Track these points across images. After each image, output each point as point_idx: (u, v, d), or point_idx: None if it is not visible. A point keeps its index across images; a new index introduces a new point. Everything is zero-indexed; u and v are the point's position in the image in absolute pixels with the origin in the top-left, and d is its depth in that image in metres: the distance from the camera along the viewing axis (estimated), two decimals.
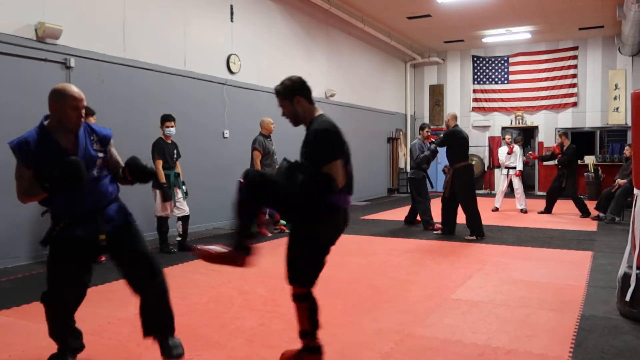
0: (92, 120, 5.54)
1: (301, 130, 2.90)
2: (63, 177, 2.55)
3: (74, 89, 2.70)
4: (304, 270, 2.85)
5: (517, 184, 10.37)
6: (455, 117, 7.50)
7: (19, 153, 2.65)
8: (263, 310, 3.92)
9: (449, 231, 7.37)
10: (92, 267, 2.90)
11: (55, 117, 2.68)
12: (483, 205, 11.61)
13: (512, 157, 10.35)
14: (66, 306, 2.88)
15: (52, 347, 3.23)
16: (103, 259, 5.69)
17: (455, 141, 7.20)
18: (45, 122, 2.74)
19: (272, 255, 6.42)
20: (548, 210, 10.00)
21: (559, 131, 11.08)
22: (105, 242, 2.77)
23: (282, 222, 8.12)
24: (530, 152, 10.56)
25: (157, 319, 2.93)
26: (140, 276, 2.85)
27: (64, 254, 2.77)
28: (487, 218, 9.31)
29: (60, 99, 2.64)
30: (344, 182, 2.74)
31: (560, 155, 9.76)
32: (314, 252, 2.87)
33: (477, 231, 7.12)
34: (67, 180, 2.55)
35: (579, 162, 13.21)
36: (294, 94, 2.85)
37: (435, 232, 7.58)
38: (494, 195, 14.12)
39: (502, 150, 10.51)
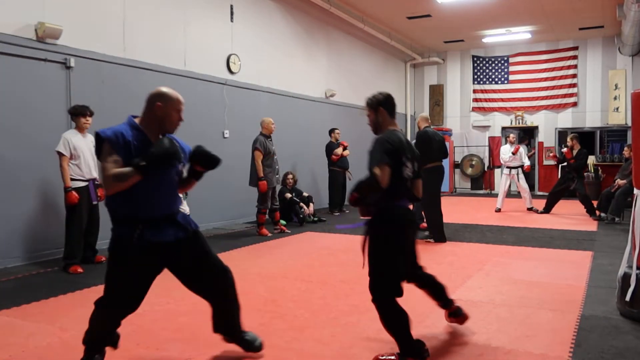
0: (83, 121, 5.51)
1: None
2: (162, 154, 2.60)
3: (177, 93, 2.81)
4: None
5: (524, 183, 10.37)
6: (426, 119, 7.39)
7: (115, 142, 2.62)
8: (263, 310, 3.92)
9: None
10: (156, 275, 2.86)
11: (156, 116, 2.74)
12: (483, 205, 11.66)
13: (517, 157, 10.31)
14: (122, 315, 2.79)
15: (52, 347, 3.24)
16: (103, 259, 5.74)
17: (425, 143, 7.01)
18: (136, 120, 2.78)
19: (272, 255, 6.44)
20: (548, 210, 9.99)
21: (570, 133, 10.65)
22: (175, 249, 2.78)
23: (282, 222, 8.14)
24: (552, 154, 10.28)
25: (233, 320, 3.05)
26: (213, 280, 2.95)
27: (135, 261, 2.69)
28: (488, 218, 9.32)
29: (167, 100, 2.75)
30: (393, 184, 2.96)
31: (572, 160, 9.61)
32: (378, 255, 3.02)
33: (437, 236, 6.96)
34: (166, 157, 2.61)
35: None
36: (378, 105, 3.22)
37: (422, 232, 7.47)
38: (494, 196, 14.15)
39: (506, 149, 10.32)
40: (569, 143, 9.81)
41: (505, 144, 10.60)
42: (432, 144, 7.04)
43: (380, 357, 2.99)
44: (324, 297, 4.32)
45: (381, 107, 3.22)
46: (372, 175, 2.91)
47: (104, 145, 2.62)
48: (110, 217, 2.75)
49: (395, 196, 3.05)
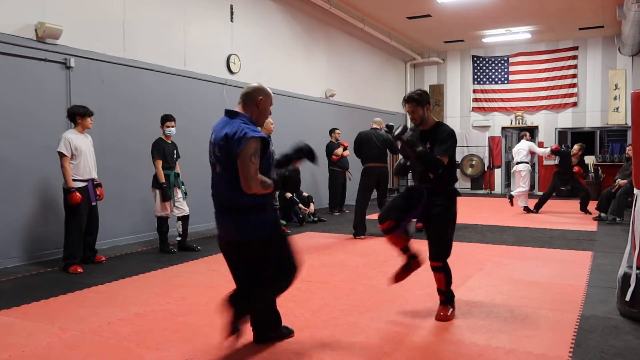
0: (89, 121, 5.52)
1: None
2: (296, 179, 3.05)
3: None
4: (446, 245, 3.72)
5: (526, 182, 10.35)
6: (375, 122, 7.76)
7: (266, 144, 2.86)
8: None
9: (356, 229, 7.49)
10: None
11: (258, 110, 2.99)
12: (483, 205, 11.65)
13: (526, 155, 10.23)
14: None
15: (52, 347, 3.24)
16: (103, 259, 5.74)
17: (360, 143, 7.53)
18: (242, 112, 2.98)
19: None
20: (537, 209, 10.08)
21: (570, 133, 10.81)
22: None
23: (282, 222, 8.14)
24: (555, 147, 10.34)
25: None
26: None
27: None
28: (488, 218, 9.31)
29: (267, 95, 3.02)
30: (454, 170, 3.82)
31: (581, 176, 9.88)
32: (451, 227, 3.70)
33: (357, 230, 7.41)
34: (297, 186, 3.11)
35: None
36: (427, 103, 3.77)
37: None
38: (494, 196, 14.16)
39: (526, 146, 10.18)
40: (576, 151, 9.97)
41: (520, 141, 10.44)
42: (366, 144, 7.46)
43: (446, 314, 3.72)
44: (324, 297, 4.33)
45: (428, 104, 3.77)
46: (439, 161, 3.54)
47: (253, 144, 2.78)
48: (247, 205, 2.89)
49: (455, 180, 3.79)
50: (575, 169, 9.88)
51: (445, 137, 3.65)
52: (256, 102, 2.96)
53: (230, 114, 2.96)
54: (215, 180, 3.07)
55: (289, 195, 8.68)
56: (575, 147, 10.06)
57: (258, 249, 2.90)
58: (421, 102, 3.72)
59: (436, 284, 3.82)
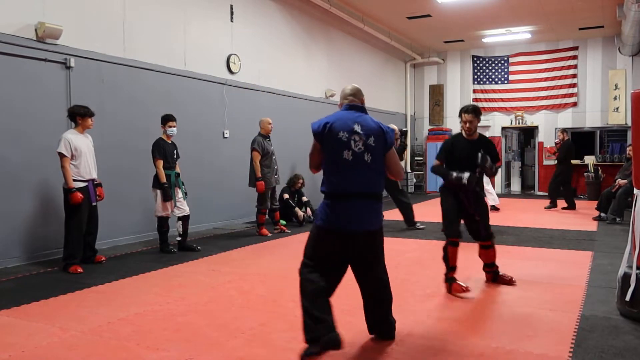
0: (90, 121, 5.52)
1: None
2: None
3: None
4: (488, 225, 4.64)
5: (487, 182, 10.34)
6: None
7: None
8: (263, 310, 3.92)
9: None
10: None
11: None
12: None
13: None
14: None
15: (52, 347, 3.24)
16: (103, 259, 5.74)
17: None
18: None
19: (272, 255, 6.44)
20: (557, 205, 10.46)
21: (559, 129, 11.64)
22: None
23: (282, 222, 8.13)
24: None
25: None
26: None
27: None
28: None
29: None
30: None
31: (556, 154, 10.31)
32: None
33: None
34: None
35: (579, 161, 13.22)
36: (480, 115, 4.64)
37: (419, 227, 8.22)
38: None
39: None
40: (559, 136, 10.47)
41: None
42: None
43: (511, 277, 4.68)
44: None
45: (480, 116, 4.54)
46: (495, 167, 4.49)
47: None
48: (381, 194, 3.25)
49: None
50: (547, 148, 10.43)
51: (494, 148, 4.62)
52: (361, 100, 3.39)
53: (360, 109, 3.32)
54: (360, 168, 3.11)
55: (286, 196, 8.67)
56: (558, 133, 10.46)
57: (381, 236, 3.26)
58: (479, 115, 4.52)
59: (488, 260, 4.71)
